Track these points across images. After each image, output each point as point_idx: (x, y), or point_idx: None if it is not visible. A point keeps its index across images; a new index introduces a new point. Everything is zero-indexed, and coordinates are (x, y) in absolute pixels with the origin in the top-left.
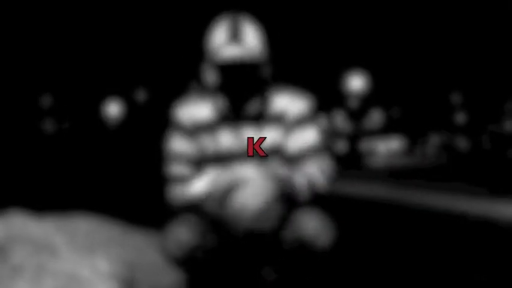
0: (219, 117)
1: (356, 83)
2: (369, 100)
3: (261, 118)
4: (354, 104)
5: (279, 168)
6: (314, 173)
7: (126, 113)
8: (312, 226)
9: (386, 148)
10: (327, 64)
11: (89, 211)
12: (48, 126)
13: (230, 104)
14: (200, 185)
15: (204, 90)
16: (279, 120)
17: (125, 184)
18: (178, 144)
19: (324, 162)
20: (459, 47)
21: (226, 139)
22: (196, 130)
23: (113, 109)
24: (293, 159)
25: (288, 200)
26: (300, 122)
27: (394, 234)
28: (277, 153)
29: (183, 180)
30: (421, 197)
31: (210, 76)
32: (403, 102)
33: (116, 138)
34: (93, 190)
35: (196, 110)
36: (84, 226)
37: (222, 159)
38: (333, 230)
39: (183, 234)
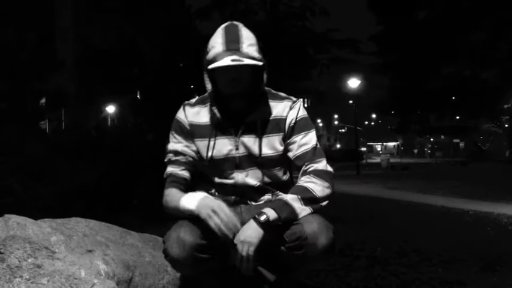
0: (218, 124)
1: (353, 85)
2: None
3: (259, 125)
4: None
5: (299, 176)
6: (323, 175)
7: (124, 116)
8: (312, 225)
9: (384, 149)
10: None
11: (86, 216)
12: (46, 128)
13: (228, 111)
14: (189, 202)
15: (206, 96)
16: (277, 126)
17: (123, 186)
18: (176, 145)
19: (326, 164)
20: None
21: (226, 146)
22: (195, 134)
23: (111, 112)
24: (296, 164)
25: (309, 203)
26: (298, 127)
27: (393, 234)
28: (279, 159)
29: (178, 179)
30: (419, 196)
31: (209, 83)
32: (401, 104)
33: (114, 142)
34: (91, 194)
35: (197, 114)
36: (82, 227)
37: (221, 165)
38: (332, 229)
39: (185, 234)
